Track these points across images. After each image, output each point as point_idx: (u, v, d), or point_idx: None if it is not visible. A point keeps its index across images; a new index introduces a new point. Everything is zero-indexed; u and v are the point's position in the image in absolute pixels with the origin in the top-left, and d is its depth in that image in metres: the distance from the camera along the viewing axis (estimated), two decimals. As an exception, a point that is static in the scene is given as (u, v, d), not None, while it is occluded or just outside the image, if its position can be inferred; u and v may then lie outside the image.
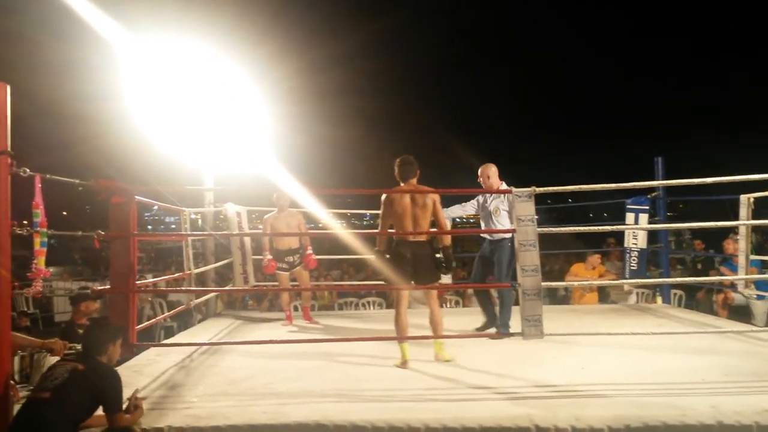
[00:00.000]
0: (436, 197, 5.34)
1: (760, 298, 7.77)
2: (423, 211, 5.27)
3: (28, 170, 3.84)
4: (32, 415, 3.31)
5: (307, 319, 7.60)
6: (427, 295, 5.52)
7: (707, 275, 10.00)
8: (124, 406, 3.66)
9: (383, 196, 5.35)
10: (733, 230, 8.81)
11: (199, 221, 8.63)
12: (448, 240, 5.40)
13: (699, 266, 10.57)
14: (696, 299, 9.80)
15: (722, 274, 8.76)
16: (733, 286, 8.10)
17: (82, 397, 3.41)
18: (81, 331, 5.79)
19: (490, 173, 6.30)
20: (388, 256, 5.33)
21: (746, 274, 7.08)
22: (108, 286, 5.29)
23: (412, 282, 5.33)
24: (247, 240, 8.16)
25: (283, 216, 7.37)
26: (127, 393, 3.79)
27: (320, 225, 7.95)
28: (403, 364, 5.13)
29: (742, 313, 8.03)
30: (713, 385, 4.34)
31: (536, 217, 4.88)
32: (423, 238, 5.32)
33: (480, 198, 6.48)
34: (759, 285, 7.65)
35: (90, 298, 5.92)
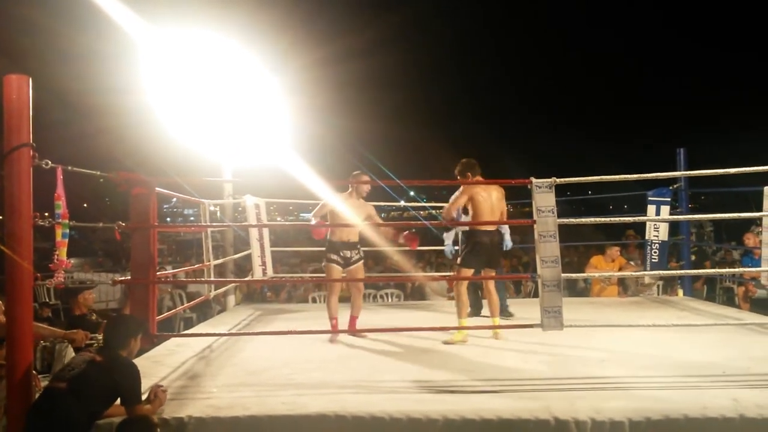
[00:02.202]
0: (503, 192, 6.03)
1: (782, 290, 7.67)
2: (499, 203, 5.91)
3: (50, 162, 3.87)
4: (49, 405, 3.34)
5: (352, 328, 6.21)
6: (489, 281, 6.14)
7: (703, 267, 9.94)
8: (144, 396, 3.69)
9: (463, 188, 5.83)
10: (756, 222, 8.70)
11: (218, 213, 8.68)
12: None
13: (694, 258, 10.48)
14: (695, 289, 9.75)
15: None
16: (754, 278, 8.00)
17: (100, 388, 3.43)
18: (88, 318, 5.85)
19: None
20: (467, 243, 5.92)
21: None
22: (129, 277, 5.33)
23: (484, 268, 6.05)
24: (266, 231, 8.18)
25: (351, 203, 6.17)
26: (147, 383, 3.81)
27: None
28: (461, 339, 5.65)
29: (763, 306, 7.94)
30: (735, 378, 4.29)
31: (556, 208, 4.85)
32: (494, 228, 6.00)
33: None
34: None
35: (86, 288, 5.96)
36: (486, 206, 5.79)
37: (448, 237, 7.35)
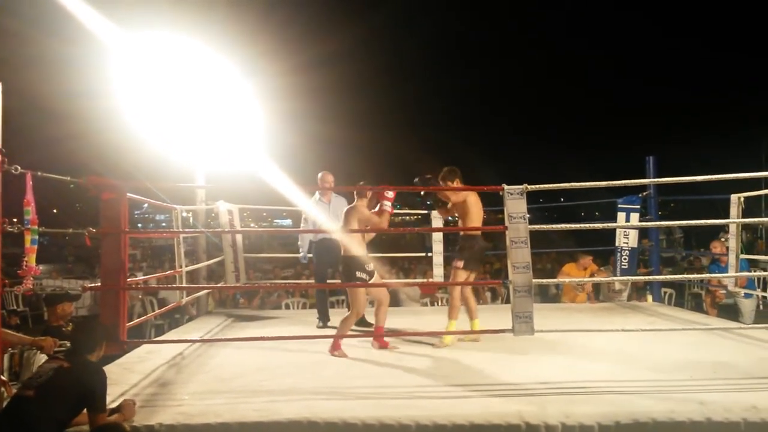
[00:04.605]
0: None
1: (747, 296, 7.81)
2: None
3: (19, 167, 3.83)
4: (16, 413, 3.29)
5: (381, 343, 5.71)
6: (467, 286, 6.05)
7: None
8: (115, 405, 3.66)
9: (468, 194, 5.85)
10: (724, 228, 8.87)
11: (191, 219, 8.62)
12: None
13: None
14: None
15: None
16: (721, 284, 8.14)
17: (67, 395, 3.39)
18: (64, 329, 5.76)
19: (330, 180, 6.98)
20: (470, 246, 5.92)
21: (737, 272, 7.12)
22: (99, 284, 5.27)
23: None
24: (239, 237, 8.14)
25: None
26: (118, 390, 3.78)
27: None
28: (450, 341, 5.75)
29: (729, 312, 8.09)
30: (702, 382, 4.37)
31: (528, 215, 4.90)
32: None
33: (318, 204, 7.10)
34: (746, 283, 7.70)
35: (66, 299, 5.85)
36: (477, 210, 5.85)
37: (305, 243, 7.40)
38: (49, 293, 6.29)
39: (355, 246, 5.62)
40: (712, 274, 8.36)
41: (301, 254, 7.56)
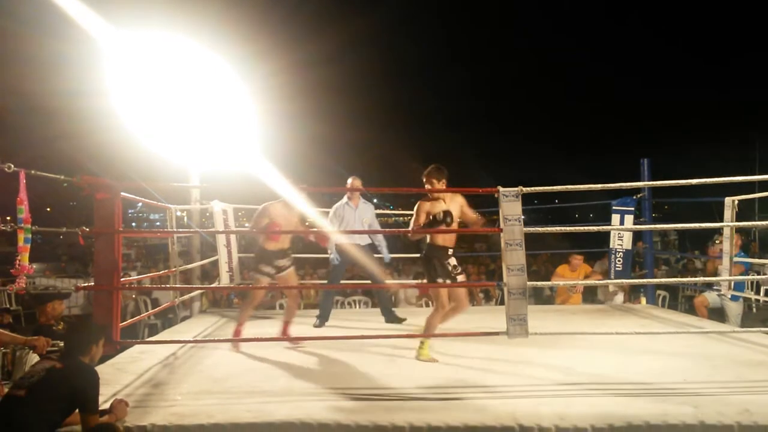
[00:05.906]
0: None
1: (734, 299, 7.81)
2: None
3: (12, 166, 3.82)
4: (6, 413, 3.26)
5: (285, 336, 6.01)
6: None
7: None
8: (107, 405, 3.64)
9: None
10: (718, 231, 8.88)
11: (185, 219, 8.60)
12: None
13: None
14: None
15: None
16: (709, 287, 8.16)
17: (59, 396, 3.36)
18: (56, 328, 5.74)
19: (358, 185, 7.29)
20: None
21: (730, 275, 7.13)
22: (92, 283, 5.26)
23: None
24: (233, 238, 8.12)
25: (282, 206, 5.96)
26: (110, 391, 3.76)
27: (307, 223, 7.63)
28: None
29: (718, 315, 8.11)
30: (696, 385, 4.37)
31: (523, 217, 4.90)
32: None
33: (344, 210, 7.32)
34: (734, 286, 7.70)
35: (57, 298, 5.84)
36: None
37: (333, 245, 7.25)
38: (39, 292, 6.28)
39: (266, 242, 5.91)
40: (706, 278, 8.37)
41: (331, 255, 7.29)
